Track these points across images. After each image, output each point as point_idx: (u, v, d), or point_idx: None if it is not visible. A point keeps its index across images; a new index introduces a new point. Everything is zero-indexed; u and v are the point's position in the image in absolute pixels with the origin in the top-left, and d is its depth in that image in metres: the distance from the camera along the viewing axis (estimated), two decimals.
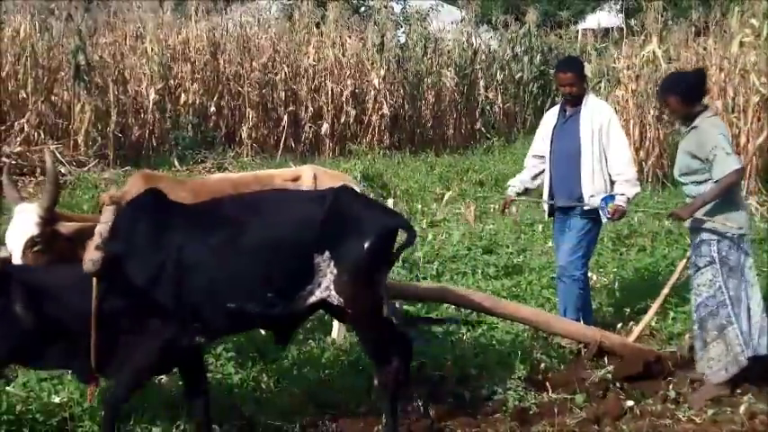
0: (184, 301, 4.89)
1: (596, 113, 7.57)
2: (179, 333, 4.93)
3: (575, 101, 7.66)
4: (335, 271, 5.11)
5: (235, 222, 5.06)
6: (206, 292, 4.93)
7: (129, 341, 4.88)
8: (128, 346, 4.89)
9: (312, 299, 5.17)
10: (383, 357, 5.43)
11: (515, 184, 7.99)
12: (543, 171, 7.85)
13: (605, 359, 7.01)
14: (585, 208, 7.45)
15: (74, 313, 4.80)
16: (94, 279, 4.73)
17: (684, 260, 7.04)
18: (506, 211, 8.49)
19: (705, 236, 6.37)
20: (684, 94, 6.44)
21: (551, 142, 7.77)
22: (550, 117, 7.96)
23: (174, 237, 4.94)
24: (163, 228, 4.97)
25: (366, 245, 5.11)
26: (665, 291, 7.09)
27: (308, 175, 7.02)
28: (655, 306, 7.17)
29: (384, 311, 5.39)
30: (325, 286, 5.13)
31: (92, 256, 4.74)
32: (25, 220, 5.23)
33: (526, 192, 8.09)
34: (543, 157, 7.83)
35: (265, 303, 5.04)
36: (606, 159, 7.49)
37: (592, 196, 7.39)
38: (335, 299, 5.16)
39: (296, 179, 7.00)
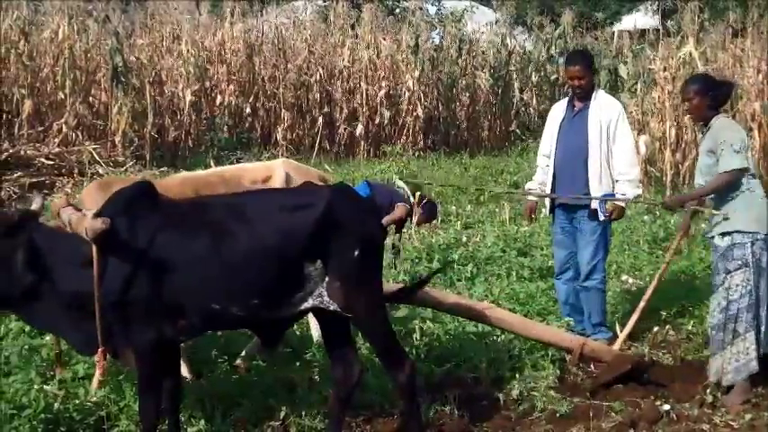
0: (168, 296, 4.86)
1: (605, 109, 7.47)
2: (164, 325, 4.92)
3: (583, 95, 7.54)
4: (328, 279, 5.06)
5: (222, 224, 4.98)
6: (188, 290, 4.89)
7: (124, 323, 4.89)
8: (124, 327, 4.90)
9: (304, 305, 5.12)
10: (394, 357, 5.36)
11: (535, 188, 7.88)
12: None
13: (592, 365, 6.97)
14: (592, 206, 7.38)
15: (76, 282, 4.83)
16: (95, 248, 4.74)
17: (664, 266, 7.26)
18: (533, 216, 8.25)
19: (738, 238, 6.31)
20: (714, 98, 6.50)
21: (557, 137, 7.64)
22: (557, 111, 7.82)
23: (157, 231, 4.89)
24: (145, 221, 4.92)
25: (357, 251, 5.07)
26: (647, 296, 7.14)
27: (280, 176, 6.67)
28: (636, 314, 7.16)
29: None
30: (318, 294, 5.08)
31: (92, 223, 4.72)
32: None
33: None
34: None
35: (250, 308, 4.99)
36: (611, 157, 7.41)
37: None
38: (330, 305, 5.10)
39: (267, 179, 6.64)
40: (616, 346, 7.04)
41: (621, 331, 7.29)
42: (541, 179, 7.80)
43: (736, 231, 6.32)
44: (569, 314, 7.68)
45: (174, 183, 6.33)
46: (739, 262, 6.31)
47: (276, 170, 6.76)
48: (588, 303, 7.63)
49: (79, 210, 5.13)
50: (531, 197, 8.00)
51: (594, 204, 7.38)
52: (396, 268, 9.22)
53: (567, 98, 7.85)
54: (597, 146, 7.39)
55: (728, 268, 6.35)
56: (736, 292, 6.32)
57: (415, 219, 10.10)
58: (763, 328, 6.33)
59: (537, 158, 8.03)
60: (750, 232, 6.28)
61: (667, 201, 7.00)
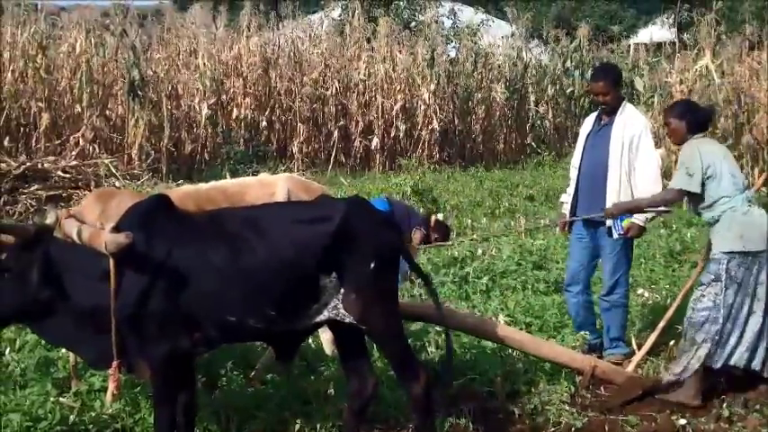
0: (184, 309, 4.86)
1: (629, 124, 7.35)
2: (180, 337, 4.91)
3: (609, 110, 7.48)
4: (343, 291, 5.05)
5: (238, 237, 4.98)
6: (205, 302, 4.89)
7: (139, 336, 4.88)
8: (139, 340, 4.89)
9: (319, 318, 5.11)
10: (410, 370, 5.33)
11: (567, 201, 7.79)
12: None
13: (602, 388, 6.86)
14: (607, 224, 7.33)
15: (92, 295, 4.84)
16: (112, 262, 4.74)
17: (687, 286, 7.11)
18: (567, 229, 7.97)
19: (717, 254, 6.46)
20: (690, 123, 6.70)
21: (583, 151, 7.62)
22: (587, 125, 7.76)
23: (174, 244, 4.90)
24: (163, 234, 4.93)
25: (372, 264, 5.06)
26: (668, 315, 7.07)
27: (282, 191, 6.59)
28: (656, 332, 7.09)
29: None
30: (333, 306, 5.07)
31: (114, 237, 4.71)
32: None
33: None
34: None
35: (266, 320, 4.99)
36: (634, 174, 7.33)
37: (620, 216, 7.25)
38: (346, 317, 5.09)
39: (269, 195, 6.50)
40: (632, 366, 6.96)
41: (636, 346, 7.24)
42: (572, 191, 7.76)
43: (718, 251, 6.49)
44: (580, 327, 7.63)
45: (175, 197, 6.31)
46: (712, 276, 6.47)
47: (278, 185, 6.70)
48: (608, 318, 7.56)
49: (80, 221, 5.15)
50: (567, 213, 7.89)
51: (609, 222, 7.31)
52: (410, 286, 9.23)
53: (597, 111, 7.76)
54: (618, 161, 7.29)
55: (702, 281, 6.56)
56: (703, 302, 6.47)
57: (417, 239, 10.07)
58: (748, 345, 6.41)
59: (570, 170, 7.96)
60: (727, 252, 6.40)
61: (609, 209, 7.07)
